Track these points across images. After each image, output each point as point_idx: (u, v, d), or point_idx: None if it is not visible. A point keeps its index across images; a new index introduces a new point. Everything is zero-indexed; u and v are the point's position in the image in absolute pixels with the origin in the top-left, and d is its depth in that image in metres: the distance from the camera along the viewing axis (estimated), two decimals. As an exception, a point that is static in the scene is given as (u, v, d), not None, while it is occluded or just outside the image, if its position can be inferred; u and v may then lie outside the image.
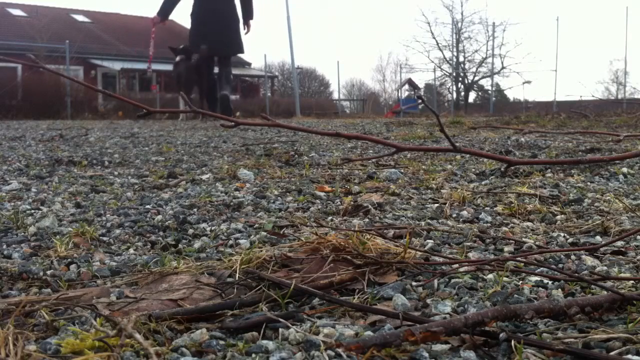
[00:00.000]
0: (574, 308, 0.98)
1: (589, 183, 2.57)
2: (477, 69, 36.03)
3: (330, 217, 1.95)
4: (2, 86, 15.26)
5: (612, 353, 0.86)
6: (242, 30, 8.47)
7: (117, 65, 24.83)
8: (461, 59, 35.96)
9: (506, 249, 1.51)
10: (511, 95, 35.78)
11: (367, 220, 1.87)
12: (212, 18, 8.03)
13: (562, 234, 1.65)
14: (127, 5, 63.82)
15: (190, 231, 1.76)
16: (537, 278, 1.22)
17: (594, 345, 0.89)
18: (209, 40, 8.23)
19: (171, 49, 10.24)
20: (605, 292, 1.05)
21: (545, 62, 74.95)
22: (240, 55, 10.37)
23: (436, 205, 2.09)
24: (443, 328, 0.88)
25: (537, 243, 1.55)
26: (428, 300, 1.12)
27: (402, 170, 3.01)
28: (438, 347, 0.89)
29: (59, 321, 1.00)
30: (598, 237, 1.62)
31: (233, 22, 8.22)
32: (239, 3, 8.43)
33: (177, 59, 10.01)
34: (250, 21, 8.49)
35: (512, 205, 2.02)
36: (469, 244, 1.56)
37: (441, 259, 1.37)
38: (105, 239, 1.67)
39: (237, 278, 1.23)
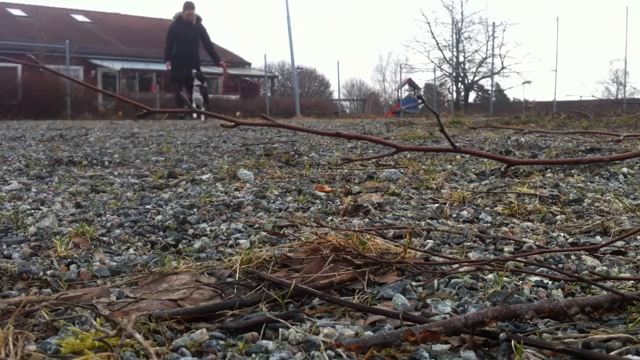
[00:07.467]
0: (574, 308, 0.98)
1: (589, 183, 2.57)
2: (477, 69, 35.98)
3: (330, 217, 1.95)
4: (2, 86, 15.24)
5: (612, 353, 0.86)
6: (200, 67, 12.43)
7: (117, 65, 24.82)
8: (461, 59, 35.92)
9: (506, 249, 1.51)
10: (511, 95, 35.69)
11: (367, 220, 1.87)
12: (185, 59, 11.81)
13: (562, 234, 1.65)
14: (127, 5, 63.69)
15: (190, 231, 1.76)
16: (537, 278, 1.22)
17: (594, 345, 0.89)
18: (183, 73, 12.03)
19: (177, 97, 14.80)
20: (605, 292, 1.04)
21: (545, 62, 74.98)
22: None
23: (436, 205, 2.09)
24: (443, 328, 0.88)
25: (537, 243, 1.55)
26: (428, 300, 1.12)
27: (402, 170, 3.01)
28: (438, 347, 0.89)
29: (59, 321, 1.00)
30: (598, 237, 1.62)
31: (197, 61, 12.06)
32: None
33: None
34: (220, 62, 12.50)
35: (512, 205, 2.02)
36: (469, 244, 1.56)
37: (441, 259, 1.37)
38: (105, 239, 1.67)
39: (237, 278, 1.23)
